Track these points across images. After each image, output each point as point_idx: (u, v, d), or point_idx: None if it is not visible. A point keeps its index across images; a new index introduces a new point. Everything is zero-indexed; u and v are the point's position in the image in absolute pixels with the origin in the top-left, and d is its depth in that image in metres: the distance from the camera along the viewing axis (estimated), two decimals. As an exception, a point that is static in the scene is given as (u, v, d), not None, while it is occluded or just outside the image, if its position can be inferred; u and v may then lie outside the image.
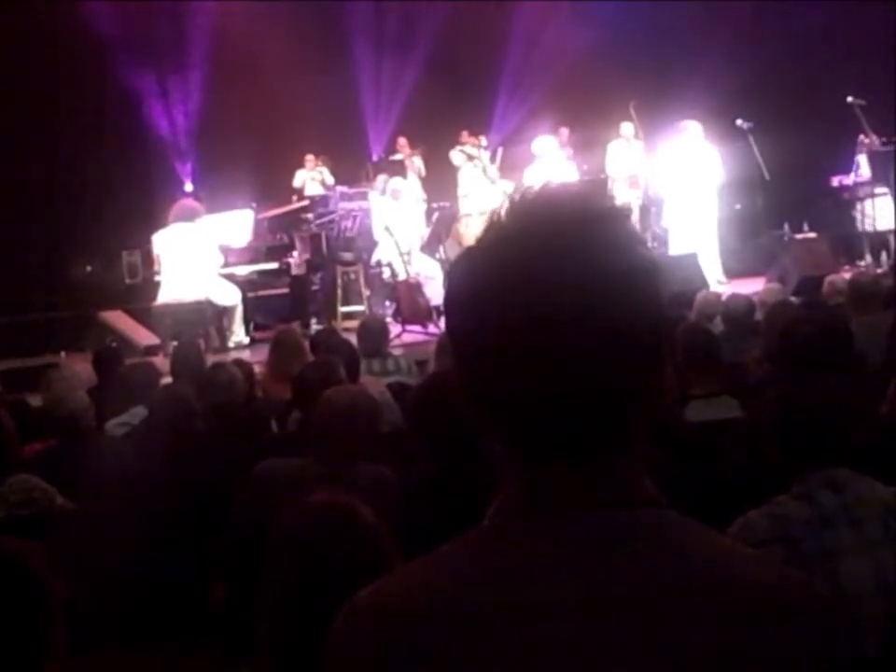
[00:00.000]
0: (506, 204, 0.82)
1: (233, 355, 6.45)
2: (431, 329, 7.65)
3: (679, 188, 8.84)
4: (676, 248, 8.73)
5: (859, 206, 9.43)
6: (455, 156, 9.73)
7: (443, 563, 0.81)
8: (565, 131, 10.21)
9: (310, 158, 10.15)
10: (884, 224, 9.13)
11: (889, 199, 9.13)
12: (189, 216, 7.74)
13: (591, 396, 0.77)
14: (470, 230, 8.90)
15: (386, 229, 8.38)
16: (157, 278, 7.88)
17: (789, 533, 2.03)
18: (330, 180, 9.94)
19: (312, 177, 10.08)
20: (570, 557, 0.77)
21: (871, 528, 2.05)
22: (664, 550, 0.78)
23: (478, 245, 0.81)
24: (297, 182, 10.05)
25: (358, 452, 2.71)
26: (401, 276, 8.27)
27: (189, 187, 10.61)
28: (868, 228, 9.27)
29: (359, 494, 1.70)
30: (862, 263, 9.00)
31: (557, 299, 0.76)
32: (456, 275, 0.82)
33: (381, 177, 9.29)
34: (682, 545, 0.78)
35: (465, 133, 9.86)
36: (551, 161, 9.28)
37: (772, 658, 0.75)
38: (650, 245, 9.17)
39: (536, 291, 0.76)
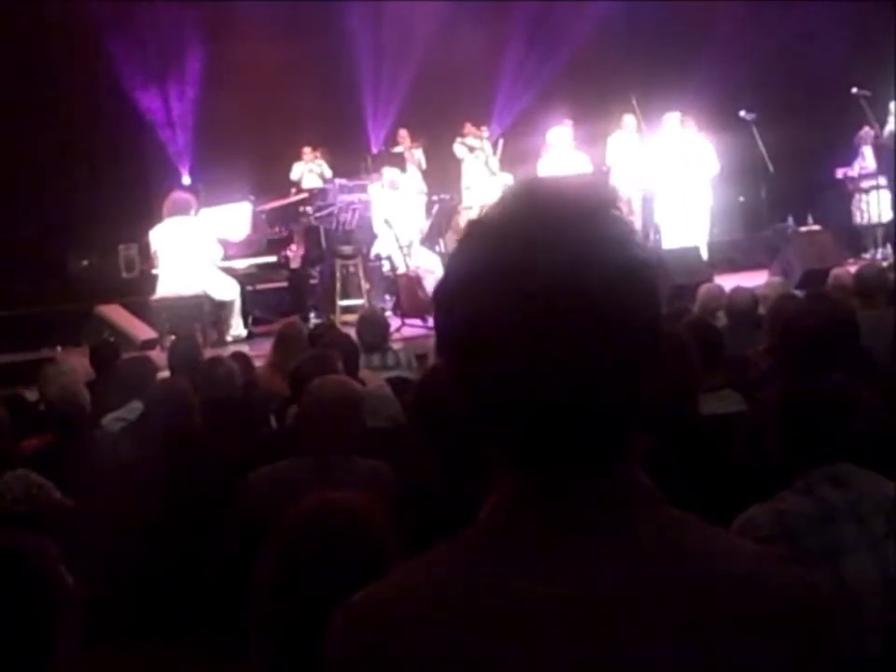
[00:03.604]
0: (498, 198, 0.79)
1: (231, 349, 6.41)
2: (431, 322, 7.61)
3: (668, 181, 8.79)
4: (669, 242, 8.69)
5: (864, 198, 9.39)
6: (458, 148, 9.70)
7: (439, 563, 0.79)
8: (568, 123, 10.17)
9: (307, 150, 10.13)
10: (887, 216, 9.09)
11: (888, 191, 9.11)
12: (184, 209, 7.69)
13: (585, 395, 0.75)
14: (471, 222, 8.85)
15: (386, 221, 8.35)
16: (154, 272, 7.85)
17: (791, 529, 2.01)
18: (328, 173, 9.92)
19: (309, 169, 10.06)
20: (566, 556, 0.75)
21: (874, 524, 2.02)
22: (662, 547, 0.76)
23: (469, 240, 0.79)
24: (294, 174, 10.04)
25: (345, 442, 2.69)
26: (401, 270, 8.24)
27: (186, 179, 10.59)
28: (873, 220, 9.23)
29: (354, 488, 1.68)
30: (867, 256, 8.96)
31: (551, 293, 0.73)
32: (447, 272, 0.80)
33: (385, 170, 9.25)
34: (681, 543, 0.77)
35: (468, 125, 9.83)
36: (564, 152, 9.22)
37: (768, 658, 0.73)
38: (651, 237, 9.20)
39: (528, 285, 0.74)
